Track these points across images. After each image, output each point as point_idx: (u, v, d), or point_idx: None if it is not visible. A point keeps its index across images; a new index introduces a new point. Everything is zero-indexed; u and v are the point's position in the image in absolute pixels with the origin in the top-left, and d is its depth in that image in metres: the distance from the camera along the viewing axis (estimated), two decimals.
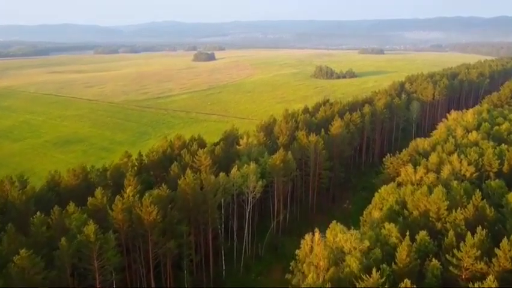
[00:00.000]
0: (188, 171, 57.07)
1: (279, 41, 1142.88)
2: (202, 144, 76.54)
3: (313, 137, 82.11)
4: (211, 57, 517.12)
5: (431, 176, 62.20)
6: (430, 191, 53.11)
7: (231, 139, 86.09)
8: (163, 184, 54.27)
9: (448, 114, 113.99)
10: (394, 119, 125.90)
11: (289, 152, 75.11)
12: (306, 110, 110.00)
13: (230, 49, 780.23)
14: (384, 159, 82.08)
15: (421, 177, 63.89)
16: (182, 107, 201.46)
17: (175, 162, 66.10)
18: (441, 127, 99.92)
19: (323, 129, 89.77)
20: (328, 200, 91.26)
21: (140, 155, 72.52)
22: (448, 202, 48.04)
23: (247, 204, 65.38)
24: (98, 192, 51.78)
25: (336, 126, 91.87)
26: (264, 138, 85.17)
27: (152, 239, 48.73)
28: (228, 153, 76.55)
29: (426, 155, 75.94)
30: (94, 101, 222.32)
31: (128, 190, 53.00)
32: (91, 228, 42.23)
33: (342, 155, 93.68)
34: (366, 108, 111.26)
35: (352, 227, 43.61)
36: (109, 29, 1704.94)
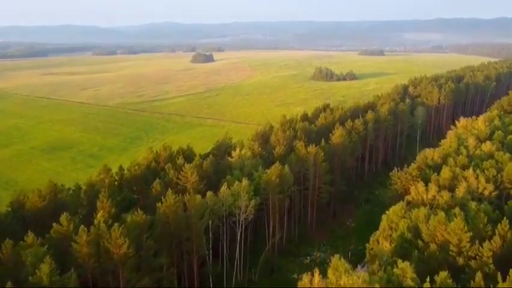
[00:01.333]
0: (169, 191, 49.92)
1: (278, 42, 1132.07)
2: (190, 157, 69.38)
3: (312, 148, 75.08)
4: (209, 59, 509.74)
5: (445, 195, 55.21)
6: (447, 214, 46.20)
7: (223, 149, 79.16)
8: (138, 209, 47.04)
9: (456, 121, 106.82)
10: (398, 125, 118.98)
11: (286, 166, 68.04)
12: (304, 117, 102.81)
13: (230, 50, 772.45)
14: (390, 173, 74.79)
15: (434, 196, 56.88)
16: (178, 110, 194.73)
17: (158, 179, 58.92)
18: (450, 136, 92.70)
19: (323, 139, 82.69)
20: (328, 216, 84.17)
21: (121, 168, 65.41)
22: (471, 233, 40.94)
23: (239, 226, 58.34)
24: (64, 218, 44.64)
25: (338, 135, 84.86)
26: (259, 149, 78.12)
27: (124, 276, 41.71)
28: (218, 166, 69.53)
29: (436, 168, 68.84)
30: (87, 104, 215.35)
31: (99, 215, 45.84)
32: (45, 268, 35.17)
33: (343, 166, 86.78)
34: (369, 115, 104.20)
35: (358, 267, 36.35)
36: (109, 30, 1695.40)
